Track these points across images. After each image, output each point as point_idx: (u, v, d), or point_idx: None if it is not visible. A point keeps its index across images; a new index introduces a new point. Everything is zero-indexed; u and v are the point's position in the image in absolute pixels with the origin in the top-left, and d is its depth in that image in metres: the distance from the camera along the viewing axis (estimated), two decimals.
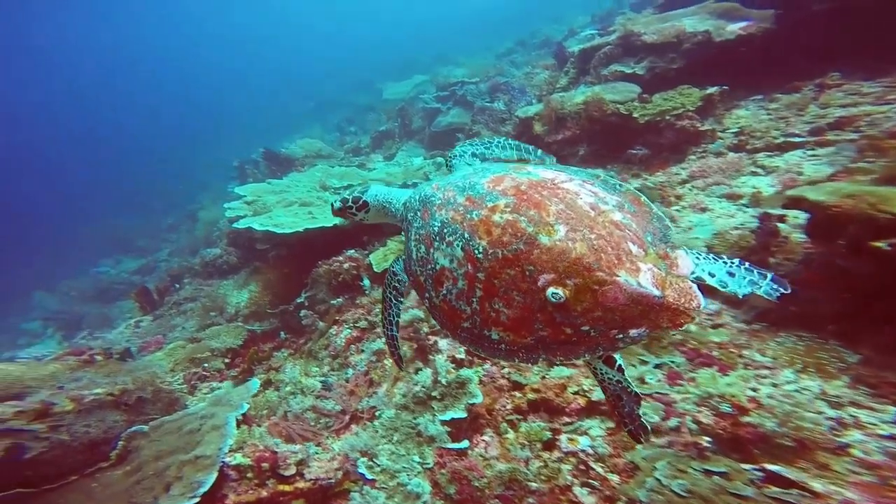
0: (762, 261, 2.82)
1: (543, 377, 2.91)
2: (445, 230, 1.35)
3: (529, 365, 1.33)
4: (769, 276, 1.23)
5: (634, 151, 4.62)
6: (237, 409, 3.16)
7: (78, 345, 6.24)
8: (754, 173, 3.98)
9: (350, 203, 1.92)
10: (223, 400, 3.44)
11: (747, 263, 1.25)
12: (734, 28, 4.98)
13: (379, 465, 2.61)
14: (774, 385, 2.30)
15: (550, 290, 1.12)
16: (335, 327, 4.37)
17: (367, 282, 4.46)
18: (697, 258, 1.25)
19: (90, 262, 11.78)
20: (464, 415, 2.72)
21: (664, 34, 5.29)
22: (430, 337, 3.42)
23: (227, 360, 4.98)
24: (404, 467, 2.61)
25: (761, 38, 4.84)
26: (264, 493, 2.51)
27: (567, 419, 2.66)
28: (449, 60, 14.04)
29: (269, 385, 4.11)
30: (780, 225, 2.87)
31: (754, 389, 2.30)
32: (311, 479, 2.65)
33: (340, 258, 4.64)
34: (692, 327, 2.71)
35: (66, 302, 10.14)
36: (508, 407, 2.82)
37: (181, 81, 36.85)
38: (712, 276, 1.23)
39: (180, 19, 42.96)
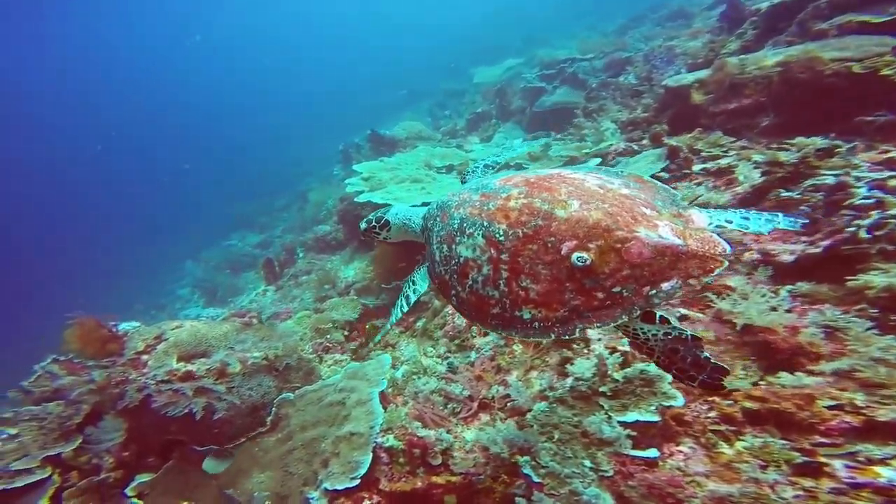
0: None
1: (755, 383, 2.22)
2: (465, 224, 1.38)
3: (567, 338, 1.23)
4: (780, 214, 1.30)
5: (872, 118, 3.43)
6: (376, 384, 3.00)
7: (237, 308, 6.97)
8: None
9: (374, 223, 1.98)
10: (359, 374, 3.35)
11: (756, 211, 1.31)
12: None
13: (544, 467, 2.19)
14: None
15: (575, 255, 1.13)
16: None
17: None
18: (710, 214, 1.27)
19: (223, 236, 13.55)
20: (655, 418, 2.14)
21: None
22: None
23: (345, 333, 5.06)
24: (574, 472, 2.16)
25: None
26: (419, 484, 2.27)
27: (824, 439, 1.94)
28: (544, 43, 13.41)
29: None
30: None
31: None
32: (460, 473, 2.35)
33: None
34: None
35: (207, 271, 11.79)
36: (712, 415, 2.18)
37: (284, 79, 40.90)
38: (730, 222, 1.27)
39: (282, 20, 47.55)
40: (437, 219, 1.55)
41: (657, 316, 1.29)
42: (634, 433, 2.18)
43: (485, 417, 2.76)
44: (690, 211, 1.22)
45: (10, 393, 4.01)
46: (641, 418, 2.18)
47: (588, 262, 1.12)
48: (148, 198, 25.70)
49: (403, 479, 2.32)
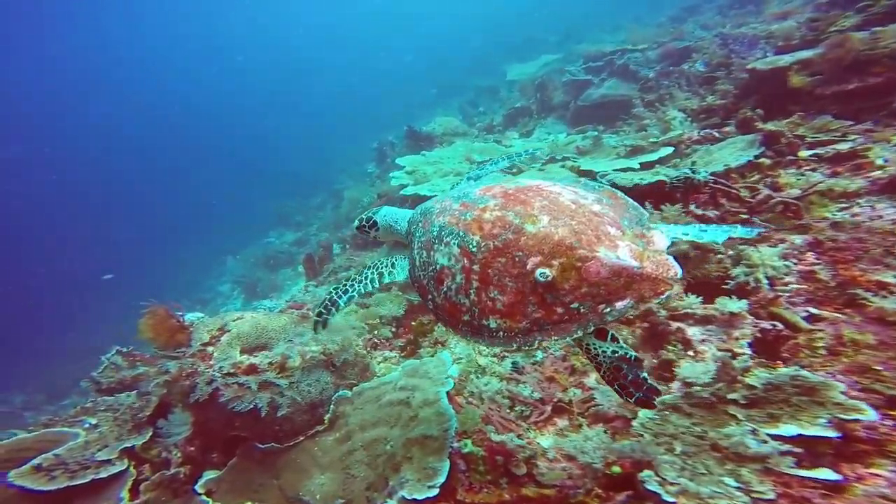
0: None
1: None
2: (443, 233, 1.45)
3: (527, 349, 1.39)
4: (738, 225, 1.41)
5: None
6: (442, 384, 2.83)
7: (295, 299, 7.04)
8: None
9: (364, 222, 2.09)
10: (419, 372, 3.19)
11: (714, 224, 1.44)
12: None
13: (673, 483, 1.92)
14: None
15: (539, 270, 1.21)
16: None
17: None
18: (669, 228, 1.36)
19: (262, 234, 13.92)
20: (830, 433, 1.76)
21: None
22: (670, 322, 2.58)
23: (393, 329, 4.94)
24: (716, 492, 1.86)
25: None
26: (506, 497, 2.07)
27: None
28: (581, 38, 13.20)
29: None
30: None
31: None
32: (551, 485, 2.13)
33: None
34: None
35: (247, 267, 12.14)
36: None
37: (315, 80, 41.88)
38: (686, 234, 1.40)
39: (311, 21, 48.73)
40: (420, 224, 1.63)
41: (609, 334, 1.41)
42: (796, 449, 1.82)
43: (561, 423, 2.53)
44: (653, 231, 1.29)
45: (82, 383, 4.15)
46: (806, 432, 1.81)
47: (550, 278, 1.19)
48: (187, 196, 26.96)
49: (486, 490, 2.13)
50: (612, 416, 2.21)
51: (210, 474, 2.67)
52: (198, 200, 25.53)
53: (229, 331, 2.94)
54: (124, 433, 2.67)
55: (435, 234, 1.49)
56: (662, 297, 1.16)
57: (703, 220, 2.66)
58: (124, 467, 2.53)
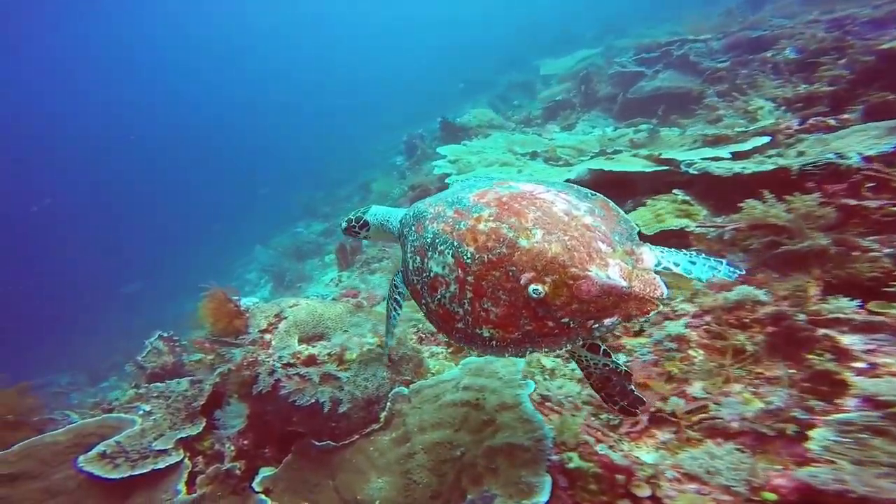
0: None
1: None
2: (437, 240, 1.46)
3: (518, 358, 1.43)
4: (724, 262, 1.38)
5: None
6: (519, 386, 2.56)
7: (347, 287, 6.92)
8: None
9: (353, 222, 2.10)
10: (485, 371, 2.93)
11: (704, 254, 1.40)
12: None
13: None
14: None
15: (531, 286, 1.24)
16: None
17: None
18: (661, 252, 1.37)
19: (290, 224, 13.96)
20: None
21: None
22: (814, 327, 2.16)
23: None
24: None
25: None
26: None
27: None
28: (624, 33, 12.81)
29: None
30: None
31: None
32: None
33: None
34: None
35: (275, 256, 12.18)
36: None
37: (343, 74, 42.20)
38: (677, 265, 1.37)
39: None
40: (413, 228, 1.63)
41: (601, 348, 1.52)
42: None
43: (663, 435, 2.22)
44: (642, 249, 1.32)
45: (128, 366, 4.10)
46: None
47: (542, 295, 1.22)
48: (217, 185, 27.56)
49: None
50: (735, 431, 1.89)
51: (266, 471, 2.49)
52: (227, 190, 26.11)
53: (286, 318, 2.76)
54: (178, 422, 2.53)
55: (429, 240, 1.50)
56: (648, 315, 1.21)
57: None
58: (180, 459, 2.39)
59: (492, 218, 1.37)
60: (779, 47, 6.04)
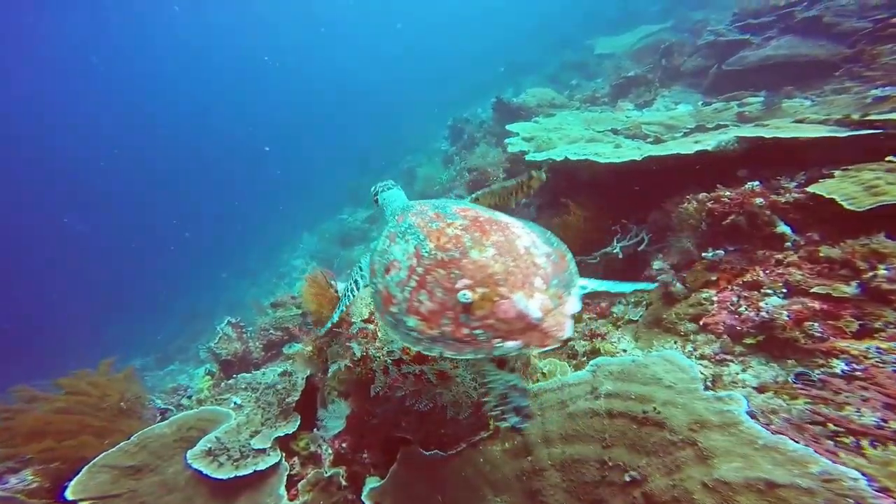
0: None
1: None
2: (409, 231, 1.58)
3: (427, 354, 1.44)
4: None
5: None
6: (725, 402, 1.95)
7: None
8: None
9: (374, 196, 2.29)
10: (637, 376, 2.35)
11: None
12: None
13: None
14: None
15: (463, 291, 1.31)
16: (709, 291, 2.92)
17: (785, 228, 2.81)
18: (585, 286, 1.49)
19: (336, 210, 13.95)
20: None
21: None
22: None
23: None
24: None
25: None
26: None
27: None
28: (697, 5, 11.40)
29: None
30: None
31: None
32: None
33: (728, 191, 3.08)
34: None
35: (322, 243, 12.16)
36: None
37: (384, 63, 42.32)
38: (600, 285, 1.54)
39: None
40: (395, 217, 1.77)
41: (507, 363, 1.60)
42: None
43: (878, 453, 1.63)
44: (571, 297, 1.38)
45: (201, 352, 3.94)
46: None
47: (469, 301, 1.29)
48: (267, 174, 28.49)
49: None
50: None
51: (372, 482, 2.12)
52: (274, 178, 26.91)
53: None
54: (270, 418, 2.23)
55: (402, 230, 1.60)
56: (545, 348, 1.26)
57: None
58: (278, 459, 2.10)
59: (461, 227, 1.47)
60: None
